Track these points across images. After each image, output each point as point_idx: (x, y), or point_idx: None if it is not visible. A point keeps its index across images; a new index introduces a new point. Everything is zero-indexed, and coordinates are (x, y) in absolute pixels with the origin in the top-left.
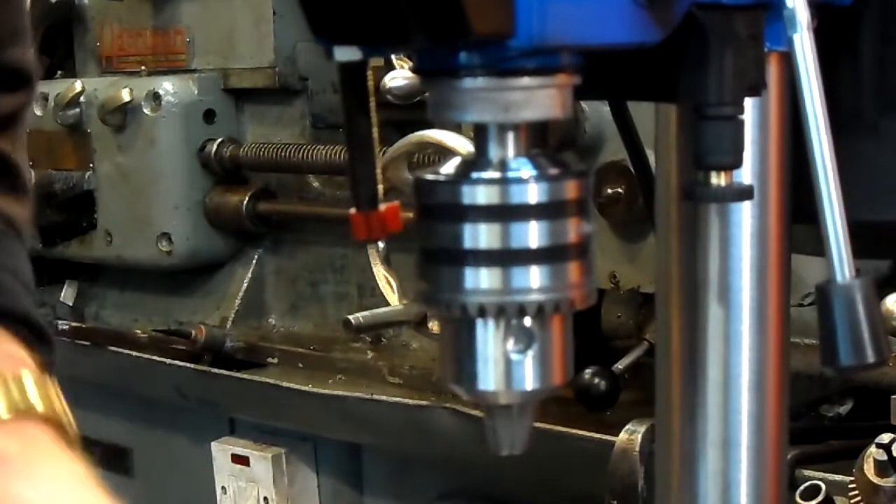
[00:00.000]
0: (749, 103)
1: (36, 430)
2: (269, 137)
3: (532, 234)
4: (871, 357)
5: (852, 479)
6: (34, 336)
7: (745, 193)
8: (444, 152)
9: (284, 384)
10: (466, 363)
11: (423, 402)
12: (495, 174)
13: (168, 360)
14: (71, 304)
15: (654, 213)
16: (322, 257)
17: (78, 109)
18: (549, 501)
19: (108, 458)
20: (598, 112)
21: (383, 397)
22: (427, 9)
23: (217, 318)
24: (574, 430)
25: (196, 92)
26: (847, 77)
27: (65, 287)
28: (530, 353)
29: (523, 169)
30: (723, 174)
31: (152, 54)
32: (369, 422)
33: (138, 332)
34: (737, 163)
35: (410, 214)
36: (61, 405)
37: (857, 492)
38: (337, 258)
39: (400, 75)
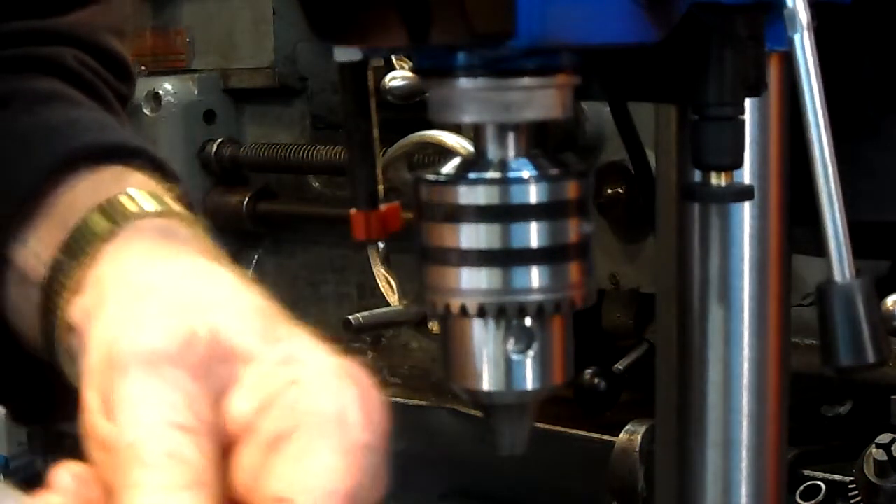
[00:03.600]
0: (749, 103)
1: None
2: (269, 138)
3: (532, 235)
4: (871, 357)
5: (852, 479)
6: (161, 171)
7: (745, 193)
8: (444, 152)
9: None
10: (466, 363)
11: (423, 402)
12: (495, 174)
13: None
14: None
15: (654, 213)
16: (322, 257)
17: None
18: (549, 501)
19: None
20: (598, 112)
21: (383, 397)
22: (427, 9)
23: None
24: (574, 430)
25: (196, 92)
26: (847, 77)
27: None
28: (530, 353)
29: (523, 169)
30: (723, 174)
31: (152, 54)
32: None
33: None
34: (737, 163)
35: (410, 214)
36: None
37: (857, 492)
38: (337, 258)
39: (400, 75)
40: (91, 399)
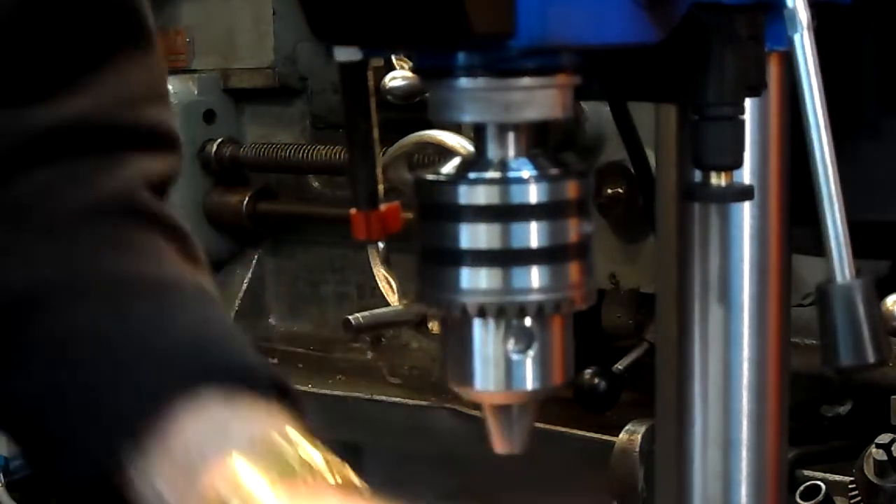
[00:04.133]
0: (749, 103)
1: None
2: (269, 138)
3: (532, 235)
4: (871, 357)
5: (852, 479)
6: (284, 396)
7: (745, 193)
8: (444, 152)
9: None
10: (466, 363)
11: (423, 402)
12: (495, 174)
13: None
14: None
15: (654, 213)
16: (322, 257)
17: None
18: (549, 501)
19: None
20: (598, 112)
21: (383, 397)
22: (427, 9)
23: None
24: (574, 430)
25: (196, 92)
26: (847, 77)
27: None
28: (530, 353)
29: (523, 169)
30: (723, 174)
31: None
32: (369, 422)
33: None
34: (737, 163)
35: (410, 214)
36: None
37: (857, 492)
38: (337, 258)
39: (400, 75)
40: None
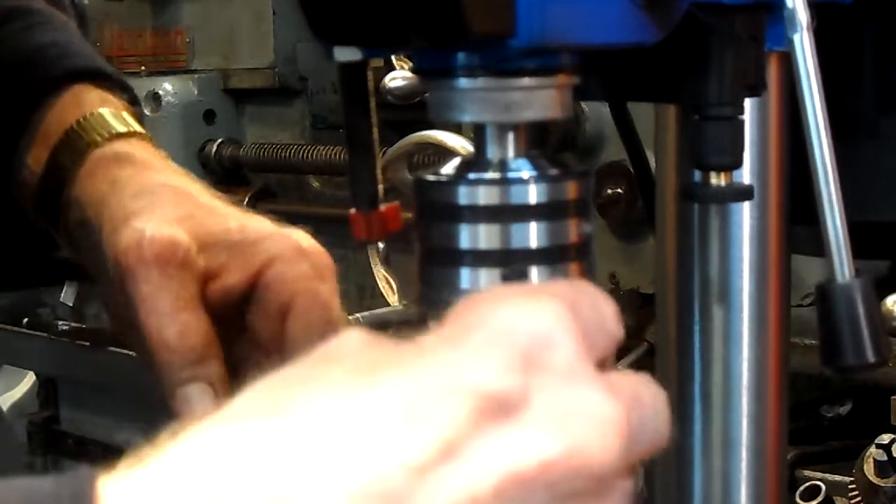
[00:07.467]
0: (749, 103)
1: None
2: (269, 138)
3: (532, 235)
4: (871, 357)
5: (852, 479)
6: (118, 87)
7: (745, 193)
8: (444, 152)
9: None
10: None
11: None
12: (495, 175)
13: None
14: (71, 305)
15: (654, 213)
16: None
17: None
18: None
19: (109, 459)
20: (598, 112)
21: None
22: (427, 9)
23: None
24: None
25: (196, 92)
26: (847, 77)
27: (65, 287)
28: None
29: (523, 169)
30: (723, 174)
31: (152, 55)
32: None
33: None
34: (737, 163)
35: (410, 214)
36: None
37: (857, 492)
38: (337, 258)
39: (400, 75)
40: None
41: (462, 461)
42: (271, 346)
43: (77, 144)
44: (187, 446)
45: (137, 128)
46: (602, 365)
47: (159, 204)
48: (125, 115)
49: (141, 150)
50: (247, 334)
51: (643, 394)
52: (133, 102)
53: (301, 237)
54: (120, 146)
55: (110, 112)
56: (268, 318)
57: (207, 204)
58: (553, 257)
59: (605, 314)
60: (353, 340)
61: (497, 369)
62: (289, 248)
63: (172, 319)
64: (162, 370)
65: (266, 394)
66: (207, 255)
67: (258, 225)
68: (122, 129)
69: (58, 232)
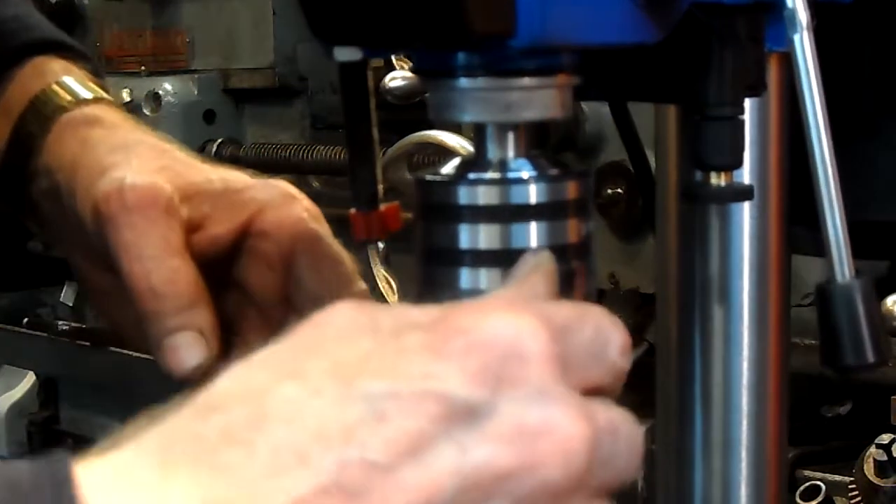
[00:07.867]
0: (749, 103)
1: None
2: (268, 138)
3: (532, 235)
4: (871, 357)
5: (852, 479)
6: (80, 57)
7: (744, 194)
8: (444, 152)
9: None
10: None
11: None
12: (495, 175)
13: None
14: (71, 305)
15: (654, 213)
16: None
17: None
18: None
19: None
20: (598, 112)
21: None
22: (427, 9)
23: None
24: None
25: (196, 92)
26: (847, 77)
27: (65, 287)
28: None
29: (523, 169)
30: (723, 175)
31: (152, 55)
32: None
33: None
34: (737, 163)
35: (410, 214)
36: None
37: (857, 492)
38: None
39: (400, 75)
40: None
41: (422, 463)
42: (265, 299)
43: (43, 111)
44: (161, 431)
45: (104, 95)
46: (593, 392)
47: (136, 157)
48: (90, 83)
49: (111, 114)
50: (235, 289)
51: (620, 425)
52: (96, 74)
53: (286, 184)
54: (89, 110)
55: (76, 79)
56: (264, 269)
57: (185, 159)
58: (553, 257)
59: (608, 343)
60: (340, 316)
61: (467, 379)
62: (277, 194)
63: (159, 264)
64: (149, 321)
65: (241, 382)
66: (190, 206)
67: (239, 176)
68: (88, 95)
69: (21, 208)
